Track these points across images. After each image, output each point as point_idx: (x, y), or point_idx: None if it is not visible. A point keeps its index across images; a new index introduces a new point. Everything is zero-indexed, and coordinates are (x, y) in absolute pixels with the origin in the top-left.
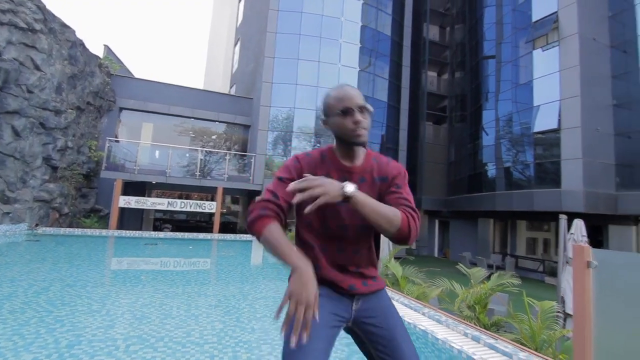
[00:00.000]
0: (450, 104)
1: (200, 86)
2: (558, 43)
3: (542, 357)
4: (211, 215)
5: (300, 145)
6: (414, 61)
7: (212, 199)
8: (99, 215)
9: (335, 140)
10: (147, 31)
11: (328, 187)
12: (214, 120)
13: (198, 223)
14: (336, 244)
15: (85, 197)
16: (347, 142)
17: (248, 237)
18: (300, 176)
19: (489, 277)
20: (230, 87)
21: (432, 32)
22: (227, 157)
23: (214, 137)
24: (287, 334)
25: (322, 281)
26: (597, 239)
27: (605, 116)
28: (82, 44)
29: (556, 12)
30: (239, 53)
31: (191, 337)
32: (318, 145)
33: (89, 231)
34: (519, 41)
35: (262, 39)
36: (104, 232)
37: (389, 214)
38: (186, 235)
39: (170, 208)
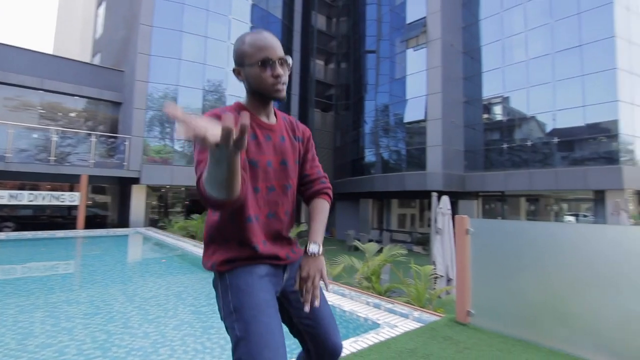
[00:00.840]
0: (336, 92)
1: (49, 51)
2: (426, 45)
3: (430, 313)
4: (71, 208)
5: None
6: (303, 48)
7: (71, 189)
8: None
9: (247, 95)
10: None
11: None
12: (73, 94)
13: (52, 219)
14: (268, 208)
15: None
16: (265, 97)
17: (123, 231)
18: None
19: (380, 251)
20: (93, 56)
21: (320, 21)
22: (93, 139)
23: (72, 114)
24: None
25: (263, 257)
26: (452, 211)
27: (458, 111)
28: None
29: (425, 17)
30: (105, 16)
31: (66, 356)
32: None
33: None
34: (396, 39)
35: (135, 3)
36: None
37: (326, 216)
38: (39, 234)
39: (12, 202)
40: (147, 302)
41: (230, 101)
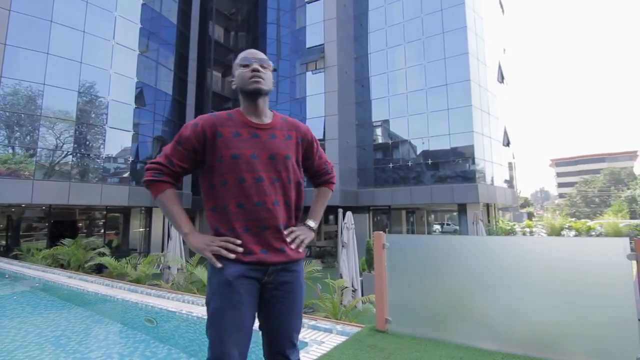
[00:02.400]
0: (233, 106)
1: None
2: (324, 70)
3: (352, 325)
4: None
5: (50, 135)
6: (200, 58)
7: None
8: None
9: (241, 100)
10: None
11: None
12: None
13: None
14: (257, 197)
15: None
16: (246, 92)
17: None
18: (200, 138)
19: None
20: None
21: (217, 32)
22: None
23: None
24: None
25: (245, 258)
26: None
27: (351, 132)
28: None
29: (323, 44)
30: None
31: None
32: (77, 133)
33: None
34: (296, 61)
35: None
36: None
37: (326, 200)
38: None
39: None
40: (11, 356)
41: (112, 106)
